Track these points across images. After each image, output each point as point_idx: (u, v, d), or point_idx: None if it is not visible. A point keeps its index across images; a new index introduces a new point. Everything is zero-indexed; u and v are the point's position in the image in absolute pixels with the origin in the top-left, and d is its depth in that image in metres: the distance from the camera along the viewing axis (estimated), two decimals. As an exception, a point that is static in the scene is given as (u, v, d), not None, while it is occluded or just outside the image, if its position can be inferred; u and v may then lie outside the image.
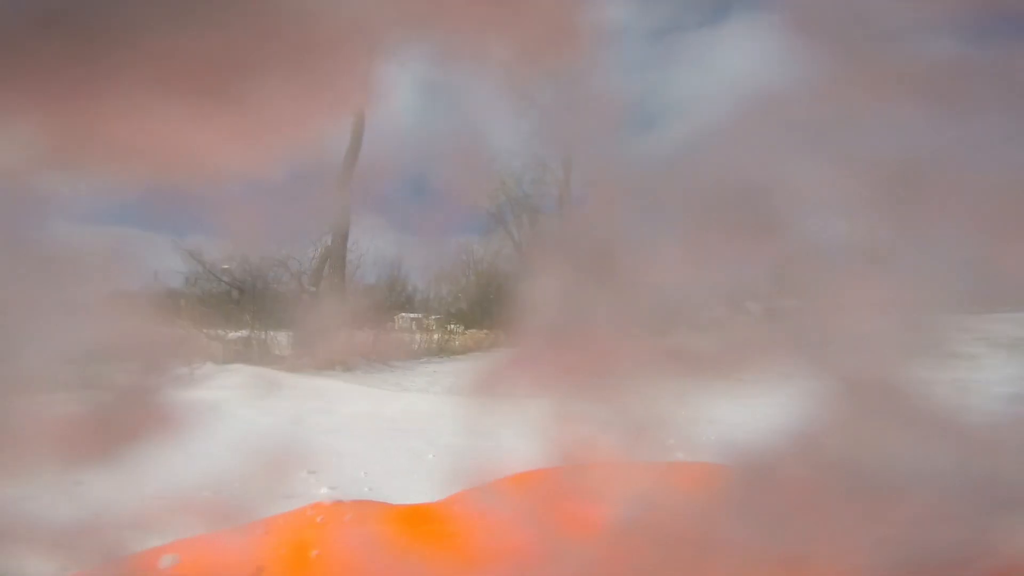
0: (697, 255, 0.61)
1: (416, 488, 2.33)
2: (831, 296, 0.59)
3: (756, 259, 0.62)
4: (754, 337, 0.62)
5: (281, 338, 5.41)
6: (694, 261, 0.61)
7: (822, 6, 0.58)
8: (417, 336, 7.55)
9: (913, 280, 0.56)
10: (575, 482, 0.66)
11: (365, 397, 3.60)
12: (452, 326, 8.30)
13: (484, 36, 0.58)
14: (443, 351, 7.26)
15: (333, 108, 0.55)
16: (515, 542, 0.59)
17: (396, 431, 3.14)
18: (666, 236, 0.65)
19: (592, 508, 0.61)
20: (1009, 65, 0.53)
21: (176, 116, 0.46)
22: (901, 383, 0.54)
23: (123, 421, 0.55)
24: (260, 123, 0.49)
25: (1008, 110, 0.54)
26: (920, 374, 0.54)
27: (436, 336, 7.80)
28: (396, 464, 2.58)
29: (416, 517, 0.74)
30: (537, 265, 0.71)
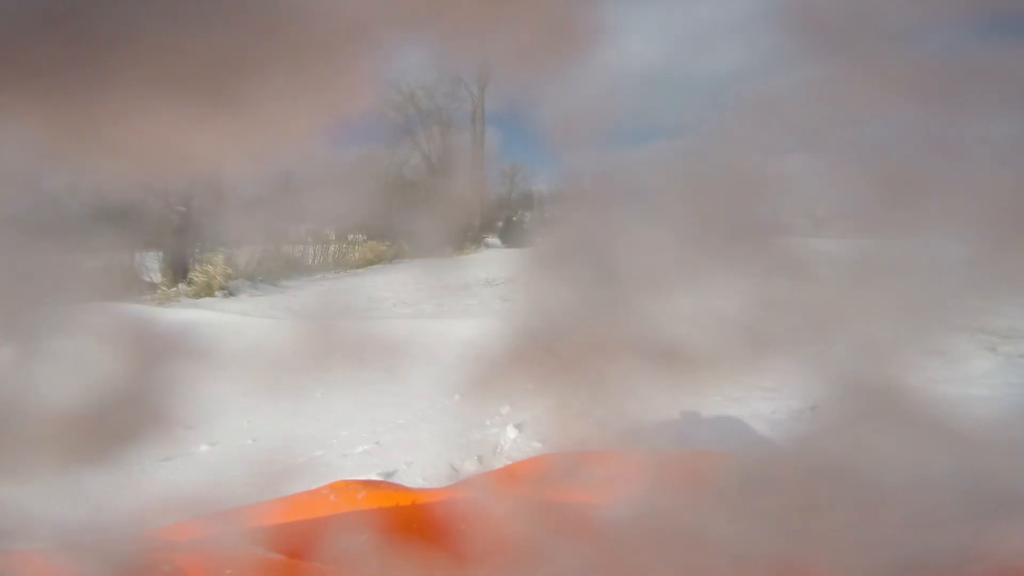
0: (694, 253, 0.61)
1: (304, 435, 2.30)
2: (828, 297, 0.59)
3: (753, 259, 0.62)
4: (750, 337, 0.61)
5: (151, 261, 4.93)
6: (691, 260, 0.61)
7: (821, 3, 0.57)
8: (311, 249, 7.20)
9: (912, 281, 0.56)
10: (568, 475, 0.67)
11: (248, 329, 3.44)
12: (352, 236, 8.00)
13: (484, 35, 0.57)
14: (340, 265, 7.02)
15: (332, 107, 0.54)
16: (507, 536, 0.59)
17: (281, 368, 3.06)
18: (662, 235, 0.64)
19: (585, 503, 0.62)
20: (1009, 65, 0.52)
21: (174, 115, 0.46)
22: (898, 386, 0.54)
23: (121, 420, 0.56)
24: (258, 123, 0.49)
25: (1008, 110, 0.54)
26: (917, 377, 0.54)
27: (333, 248, 7.49)
28: (281, 408, 2.51)
29: (414, 504, 0.73)
30: (532, 262, 0.71)
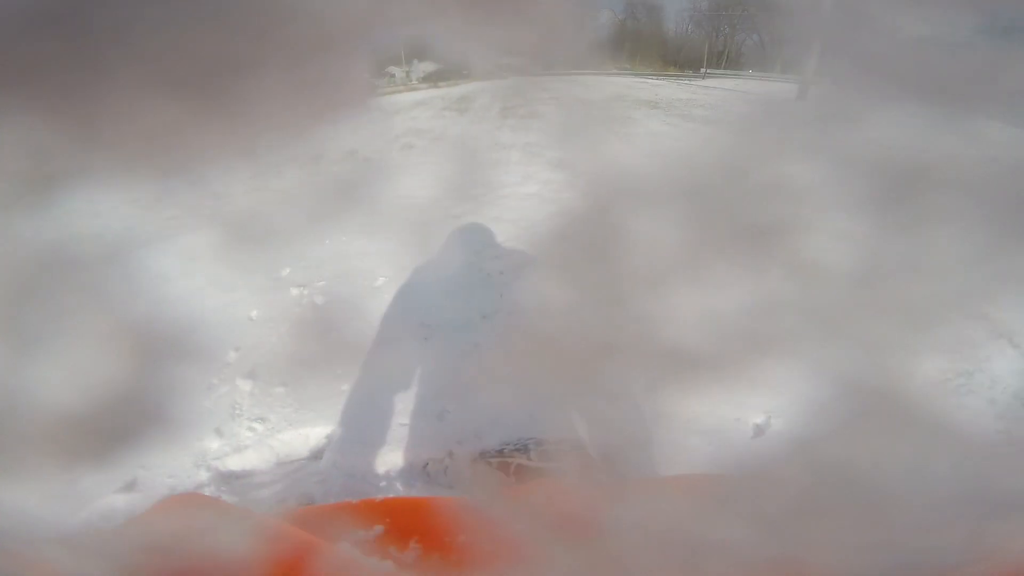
0: (695, 253, 0.61)
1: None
2: (829, 297, 0.59)
3: (755, 258, 0.62)
4: (752, 338, 0.61)
5: None
6: (692, 260, 0.61)
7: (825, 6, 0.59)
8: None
9: (912, 281, 0.56)
10: (567, 487, 0.67)
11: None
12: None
13: (483, 33, 0.54)
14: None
15: (331, 107, 0.51)
16: (507, 545, 0.56)
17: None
18: (664, 235, 0.63)
19: (584, 512, 0.59)
20: (1009, 65, 0.54)
21: (172, 115, 0.44)
22: (898, 386, 0.54)
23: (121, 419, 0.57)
24: (257, 122, 0.48)
25: (1009, 109, 0.55)
26: (917, 377, 0.54)
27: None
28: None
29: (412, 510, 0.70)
30: (529, 262, 0.75)
